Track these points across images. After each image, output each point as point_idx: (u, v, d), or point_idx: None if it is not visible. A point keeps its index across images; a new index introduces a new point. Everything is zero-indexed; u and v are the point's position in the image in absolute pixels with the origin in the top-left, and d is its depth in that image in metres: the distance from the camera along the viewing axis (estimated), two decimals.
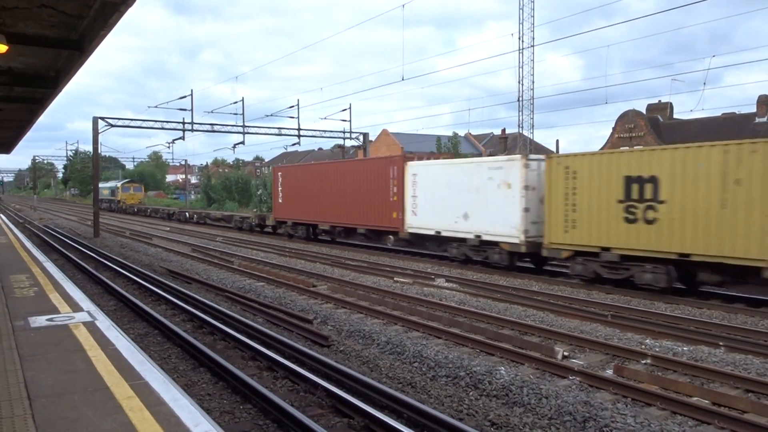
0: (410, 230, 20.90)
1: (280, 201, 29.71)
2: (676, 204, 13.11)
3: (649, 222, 13.62)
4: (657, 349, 9.27)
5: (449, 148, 50.72)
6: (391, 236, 22.52)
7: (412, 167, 20.97)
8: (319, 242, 27.51)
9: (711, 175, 12.51)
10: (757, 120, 35.09)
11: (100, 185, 48.17)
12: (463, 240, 18.74)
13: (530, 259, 18.06)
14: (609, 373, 8.27)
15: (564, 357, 8.88)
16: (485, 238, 17.87)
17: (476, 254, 18.45)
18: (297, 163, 61.93)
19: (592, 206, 14.86)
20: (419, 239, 21.10)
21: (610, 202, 14.40)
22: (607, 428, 6.40)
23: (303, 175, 28.70)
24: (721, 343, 9.55)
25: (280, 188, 29.74)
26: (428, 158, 37.09)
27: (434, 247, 20.79)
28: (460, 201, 18.67)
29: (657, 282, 13.62)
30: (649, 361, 8.76)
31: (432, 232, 19.92)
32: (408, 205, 20.92)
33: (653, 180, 13.56)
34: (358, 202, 23.58)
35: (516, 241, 16.84)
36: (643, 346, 9.48)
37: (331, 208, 25.37)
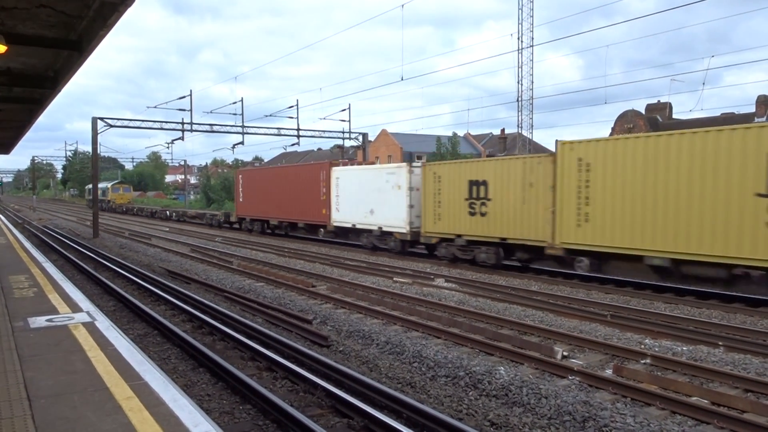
0: (335, 224, 24.77)
1: (241, 200, 33.10)
2: (498, 201, 17.23)
3: (483, 215, 17.74)
4: (656, 349, 9.28)
5: (449, 148, 50.64)
6: (321, 229, 26.27)
7: (336, 171, 24.51)
8: (274, 236, 30.96)
9: (516, 180, 16.62)
10: (756, 120, 35.09)
11: None
12: (370, 231, 22.66)
13: (424, 246, 21.12)
14: (608, 372, 8.27)
15: (563, 357, 8.89)
16: (385, 229, 21.83)
17: (380, 242, 22.33)
18: (296, 163, 61.87)
19: (450, 203, 18.91)
20: (342, 231, 24.81)
21: (460, 200, 18.48)
22: (607, 428, 6.41)
23: (258, 178, 32.02)
24: (720, 343, 9.56)
25: (240, 189, 32.96)
26: (427, 159, 37.19)
27: (354, 237, 24.28)
28: (368, 199, 22.36)
29: (489, 260, 17.66)
30: (648, 360, 8.76)
31: (350, 225, 23.73)
32: (333, 203, 24.65)
33: (485, 183, 17.69)
34: (298, 201, 27.14)
35: (404, 231, 20.84)
36: (642, 346, 9.49)
37: (278, 206, 28.99)
